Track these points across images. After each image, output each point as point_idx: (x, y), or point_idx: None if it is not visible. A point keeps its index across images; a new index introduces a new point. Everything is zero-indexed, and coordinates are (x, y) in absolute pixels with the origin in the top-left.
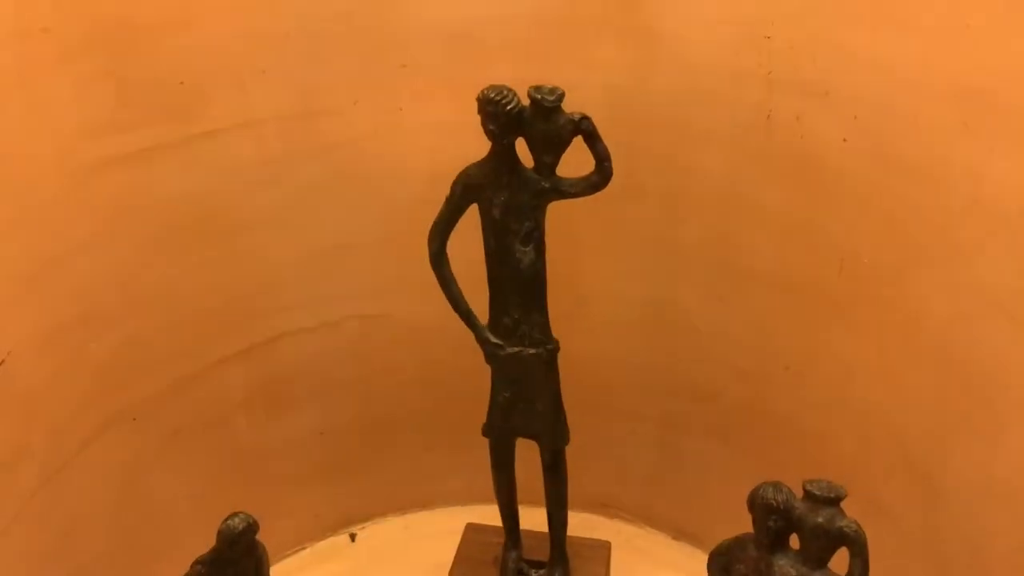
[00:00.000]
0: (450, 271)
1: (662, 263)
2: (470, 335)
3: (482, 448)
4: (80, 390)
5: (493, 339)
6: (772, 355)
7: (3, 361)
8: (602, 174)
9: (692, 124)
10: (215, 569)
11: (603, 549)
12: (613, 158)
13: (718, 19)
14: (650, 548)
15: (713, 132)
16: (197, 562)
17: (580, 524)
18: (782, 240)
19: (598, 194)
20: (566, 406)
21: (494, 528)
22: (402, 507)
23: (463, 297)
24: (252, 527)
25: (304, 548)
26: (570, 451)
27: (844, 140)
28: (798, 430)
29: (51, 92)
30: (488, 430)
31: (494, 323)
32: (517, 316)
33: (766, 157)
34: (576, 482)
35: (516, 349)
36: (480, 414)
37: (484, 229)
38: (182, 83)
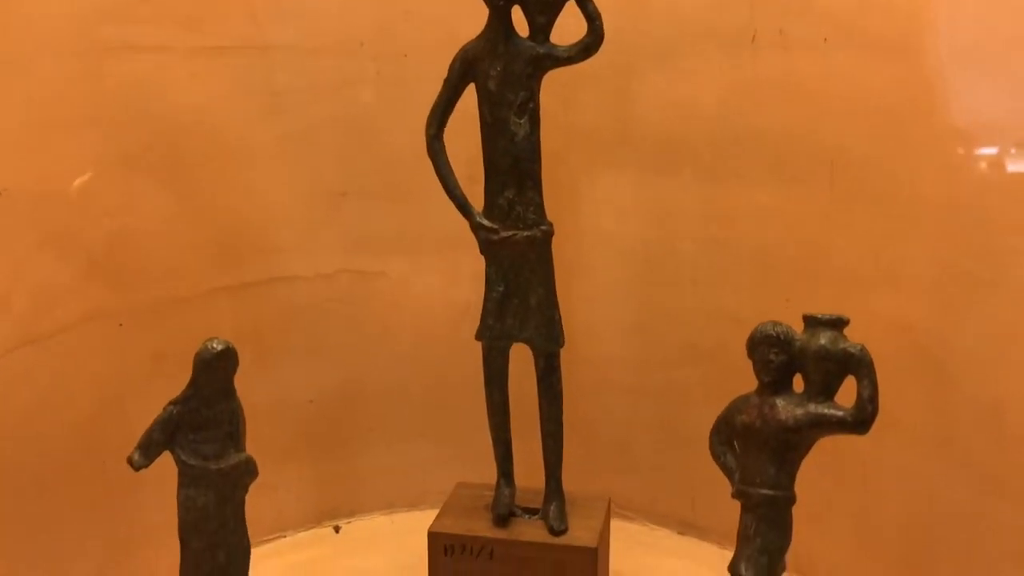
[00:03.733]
0: (446, 157)
1: (657, 211)
2: (470, 308)
3: (478, 436)
4: (70, 267)
5: (487, 223)
6: (772, 291)
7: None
8: (594, 34)
9: (682, 63)
10: (188, 409)
11: (602, 502)
12: (607, 104)
13: None
14: (655, 543)
15: (703, 67)
16: (171, 403)
17: None
18: (774, 164)
19: (592, 145)
20: (564, 384)
21: (486, 484)
22: (390, 502)
23: (458, 184)
24: (230, 353)
25: (285, 536)
26: (567, 443)
27: (825, 40)
28: None
29: None
30: (481, 332)
31: (489, 206)
32: (512, 196)
33: (754, 82)
34: (574, 478)
35: (510, 233)
36: (475, 400)
37: (480, 105)
38: None
